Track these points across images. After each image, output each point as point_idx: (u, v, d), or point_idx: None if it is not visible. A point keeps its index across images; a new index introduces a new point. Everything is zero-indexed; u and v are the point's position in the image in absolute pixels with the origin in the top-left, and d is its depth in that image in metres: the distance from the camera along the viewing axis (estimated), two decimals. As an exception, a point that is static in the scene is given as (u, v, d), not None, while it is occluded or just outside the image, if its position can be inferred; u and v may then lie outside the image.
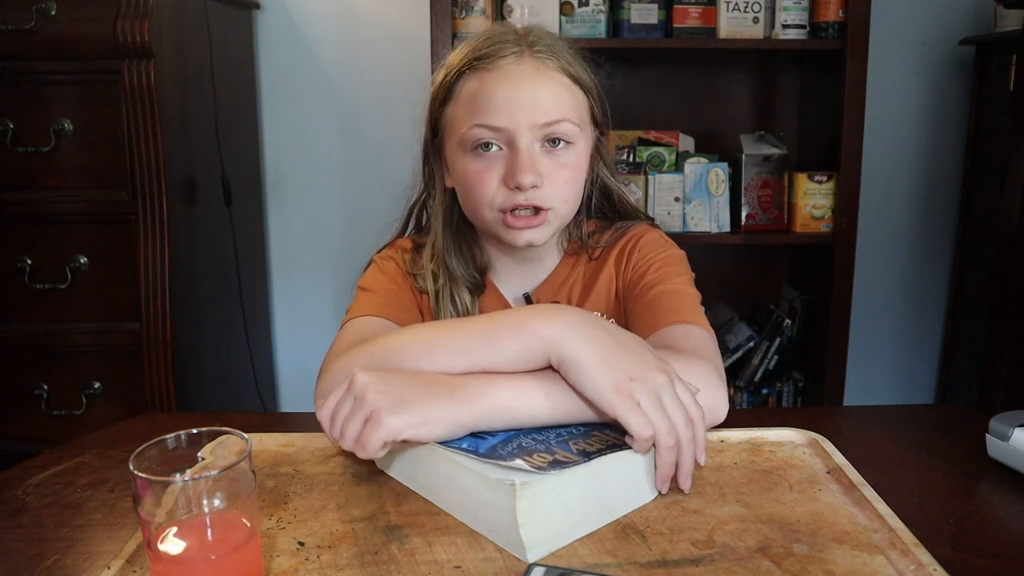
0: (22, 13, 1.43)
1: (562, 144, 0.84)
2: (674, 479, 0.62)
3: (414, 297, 0.92)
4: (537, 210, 0.84)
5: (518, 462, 0.56)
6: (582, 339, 0.62)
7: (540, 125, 0.82)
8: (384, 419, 0.59)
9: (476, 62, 0.84)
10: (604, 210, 0.97)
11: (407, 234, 1.00)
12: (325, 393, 0.71)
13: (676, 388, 0.61)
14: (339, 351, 0.76)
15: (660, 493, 0.62)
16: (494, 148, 0.84)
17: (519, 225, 0.84)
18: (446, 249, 0.92)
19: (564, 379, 0.63)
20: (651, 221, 0.98)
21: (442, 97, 0.88)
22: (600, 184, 0.96)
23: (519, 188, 0.82)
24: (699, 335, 0.78)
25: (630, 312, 0.87)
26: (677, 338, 0.77)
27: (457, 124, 0.86)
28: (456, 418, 0.61)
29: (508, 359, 0.65)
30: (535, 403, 0.63)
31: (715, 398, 0.71)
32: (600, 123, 0.91)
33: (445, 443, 0.60)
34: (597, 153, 0.93)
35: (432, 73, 0.91)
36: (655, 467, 0.61)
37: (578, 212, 0.92)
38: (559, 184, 0.84)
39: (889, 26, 1.99)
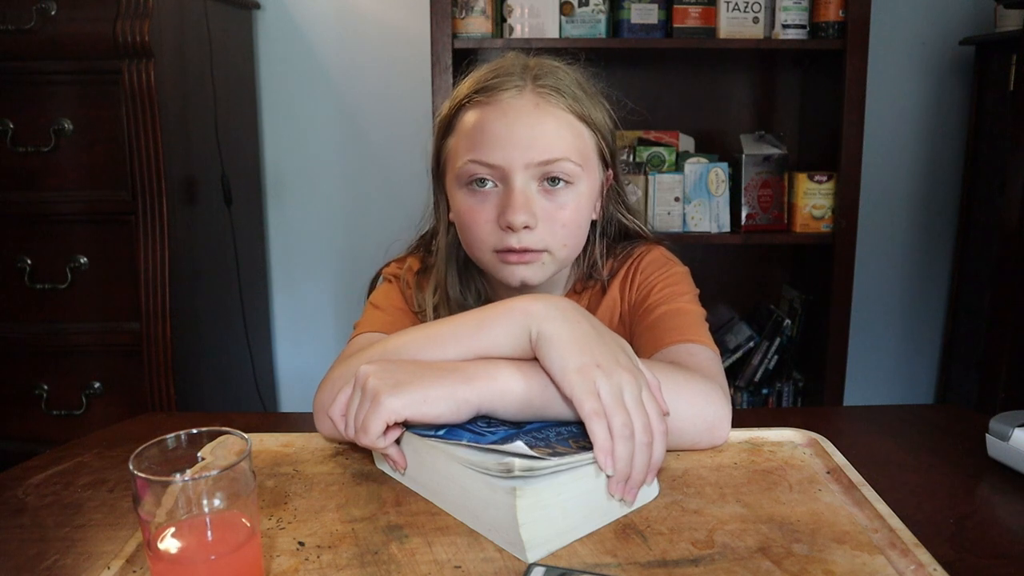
0: (22, 13, 1.43)
1: (561, 184, 0.81)
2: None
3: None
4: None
5: (518, 443, 0.56)
6: (563, 320, 0.63)
7: (537, 163, 0.79)
8: (383, 401, 0.60)
9: (477, 95, 0.82)
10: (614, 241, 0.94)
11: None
12: (323, 401, 0.71)
13: (643, 394, 0.60)
14: (340, 362, 0.76)
15: (625, 501, 0.59)
16: (489, 184, 0.81)
17: (513, 260, 0.82)
18: (449, 285, 0.90)
19: (537, 357, 0.62)
20: (657, 241, 0.94)
21: (444, 128, 0.86)
22: (615, 224, 0.92)
23: (511, 228, 0.79)
24: (704, 354, 0.77)
25: (635, 333, 0.86)
26: (681, 356, 0.76)
27: (455, 158, 0.84)
28: (457, 395, 0.62)
29: (497, 342, 0.65)
30: (535, 386, 0.63)
31: (718, 418, 0.70)
32: (611, 163, 0.88)
33: (445, 438, 0.61)
34: (612, 193, 0.90)
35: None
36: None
37: (586, 249, 0.89)
38: (555, 228, 0.81)
39: (889, 26, 1.99)
